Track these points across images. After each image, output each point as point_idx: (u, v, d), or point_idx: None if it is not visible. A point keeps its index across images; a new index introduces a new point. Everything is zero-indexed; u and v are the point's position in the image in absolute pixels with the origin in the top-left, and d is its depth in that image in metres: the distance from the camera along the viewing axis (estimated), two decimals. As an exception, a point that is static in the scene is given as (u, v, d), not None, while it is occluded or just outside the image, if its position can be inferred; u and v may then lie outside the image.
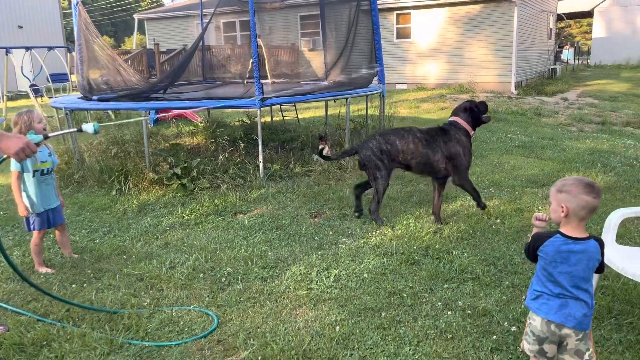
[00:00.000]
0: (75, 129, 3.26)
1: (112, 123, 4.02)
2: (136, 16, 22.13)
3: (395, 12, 17.45)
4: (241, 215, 5.19)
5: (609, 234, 3.03)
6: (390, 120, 8.37)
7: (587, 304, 2.18)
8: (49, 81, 12.98)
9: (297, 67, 11.73)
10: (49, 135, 3.22)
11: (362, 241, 4.38)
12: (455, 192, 5.78)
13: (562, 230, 2.19)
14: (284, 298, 3.42)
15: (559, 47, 26.32)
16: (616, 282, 3.48)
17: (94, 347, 2.87)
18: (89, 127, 3.14)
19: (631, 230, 4.51)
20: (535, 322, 2.24)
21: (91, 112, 9.50)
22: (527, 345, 2.30)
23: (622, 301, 3.27)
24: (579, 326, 2.16)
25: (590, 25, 30.62)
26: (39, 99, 12.45)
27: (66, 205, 5.02)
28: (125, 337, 2.98)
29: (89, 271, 3.91)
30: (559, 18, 23.66)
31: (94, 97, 6.88)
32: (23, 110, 3.86)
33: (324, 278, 3.69)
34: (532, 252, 2.25)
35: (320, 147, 6.27)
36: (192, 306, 3.34)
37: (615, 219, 3.06)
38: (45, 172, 3.84)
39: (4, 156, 2.61)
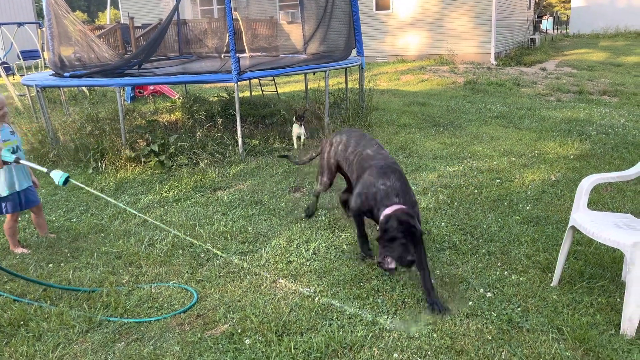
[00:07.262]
0: (46, 170, 3.54)
1: (81, 186, 3.78)
2: (109, -10, 21.37)
3: (375, -17, 17.21)
4: (220, 191, 5.16)
5: (580, 200, 3.08)
6: (370, 93, 8.33)
7: None
8: (20, 58, 12.58)
9: (275, 40, 11.51)
10: (20, 161, 3.60)
11: (341, 214, 4.39)
12: (433, 163, 5.81)
13: None
14: (263, 272, 3.43)
15: (538, 17, 26.29)
16: (588, 247, 3.57)
17: (72, 325, 2.85)
18: (56, 175, 3.47)
19: (604, 196, 4.60)
20: None
21: (64, 89, 9.25)
22: None
23: (593, 265, 3.35)
24: None
25: (569, -6, 30.60)
26: (10, 77, 12.08)
27: (41, 185, 4.93)
28: (103, 314, 2.97)
29: (66, 250, 3.87)
30: (538, -13, 23.58)
31: (66, 74, 6.69)
32: None
33: (303, 251, 3.71)
34: None
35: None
36: (171, 282, 3.34)
37: (587, 185, 3.11)
38: (13, 150, 3.75)
39: None
